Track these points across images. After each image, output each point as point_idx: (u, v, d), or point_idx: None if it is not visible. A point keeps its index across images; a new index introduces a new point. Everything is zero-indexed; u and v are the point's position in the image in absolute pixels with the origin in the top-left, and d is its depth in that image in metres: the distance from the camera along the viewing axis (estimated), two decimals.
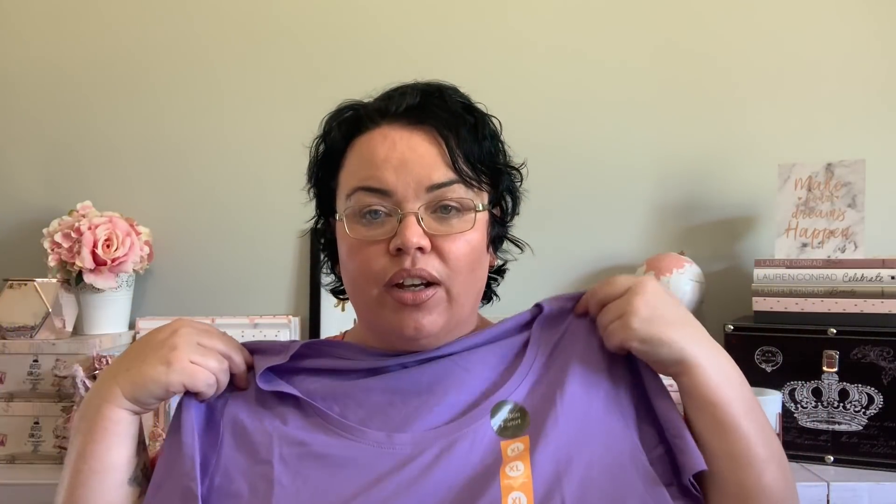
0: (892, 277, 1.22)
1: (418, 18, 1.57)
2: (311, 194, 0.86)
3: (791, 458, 1.20)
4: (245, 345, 0.81)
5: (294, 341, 0.82)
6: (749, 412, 0.73)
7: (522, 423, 0.73)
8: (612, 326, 0.74)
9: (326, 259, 0.88)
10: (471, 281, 0.77)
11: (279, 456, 0.72)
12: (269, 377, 0.78)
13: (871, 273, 1.23)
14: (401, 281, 0.74)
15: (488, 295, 0.88)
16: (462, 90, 0.82)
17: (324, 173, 0.83)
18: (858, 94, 1.52)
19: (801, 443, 1.22)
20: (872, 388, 1.18)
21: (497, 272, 0.88)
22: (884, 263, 1.24)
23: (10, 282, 1.37)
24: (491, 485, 0.68)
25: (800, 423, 1.22)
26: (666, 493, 0.69)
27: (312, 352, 0.81)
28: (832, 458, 1.20)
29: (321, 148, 0.83)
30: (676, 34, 1.55)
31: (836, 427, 1.20)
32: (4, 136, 1.60)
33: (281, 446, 0.73)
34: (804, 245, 1.33)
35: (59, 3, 1.60)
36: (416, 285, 0.74)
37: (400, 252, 0.73)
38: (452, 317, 0.76)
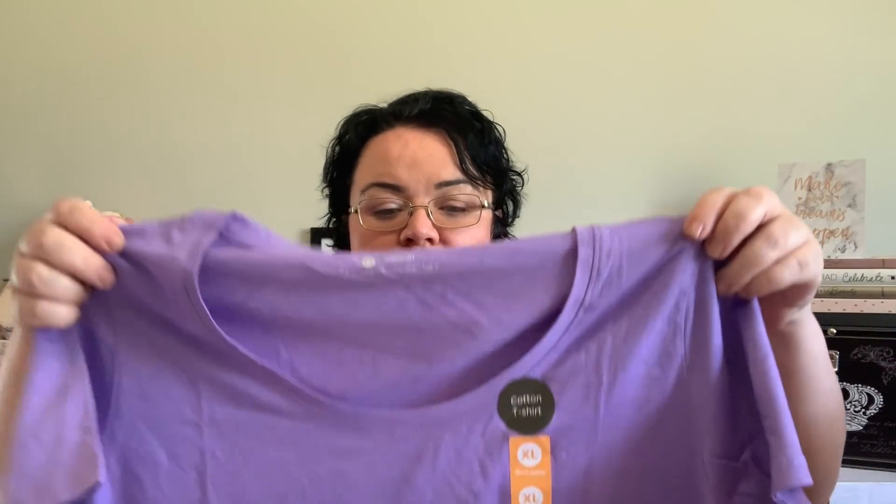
0: (892, 277, 1.22)
1: (419, 26, 1.58)
2: (325, 193, 0.90)
3: None
4: (125, 229, 0.54)
5: (217, 214, 0.57)
6: (829, 366, 0.63)
7: (544, 415, 0.54)
8: (775, 271, 0.52)
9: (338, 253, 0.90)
10: None
11: (210, 418, 0.55)
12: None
13: (871, 273, 1.23)
14: None
15: None
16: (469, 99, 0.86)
17: (339, 172, 0.87)
18: (858, 94, 1.52)
19: None
20: (872, 388, 1.18)
21: None
22: (884, 263, 1.23)
23: (9, 282, 1.37)
24: None
25: None
26: None
27: (252, 233, 0.57)
28: None
29: (337, 149, 0.88)
30: (676, 35, 1.55)
31: None
32: (4, 136, 1.60)
33: (212, 403, 0.55)
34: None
35: (59, 3, 1.60)
36: None
37: (410, 242, 0.76)
38: None
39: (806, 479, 0.49)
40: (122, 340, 0.55)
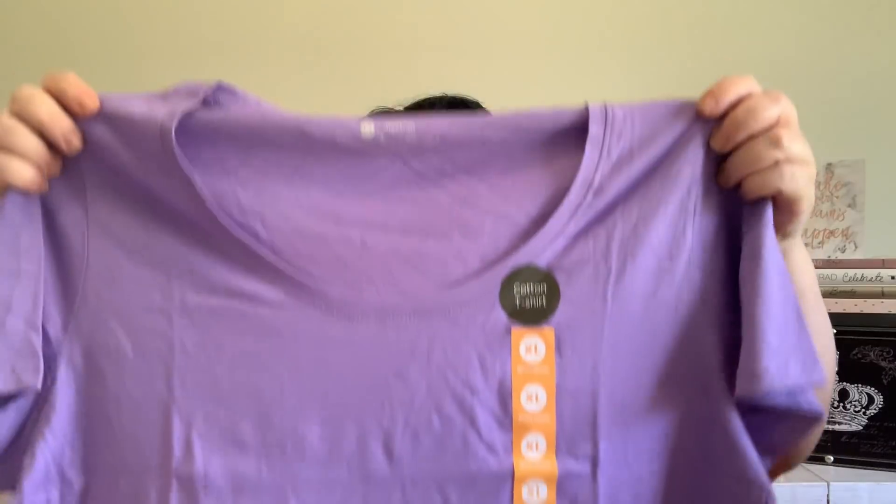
0: (892, 277, 1.22)
1: (415, 24, 1.58)
2: None
3: None
4: (104, 98, 0.51)
5: (202, 83, 0.52)
6: (818, 303, 0.61)
7: (548, 306, 0.50)
8: (766, 173, 0.51)
9: None
10: None
11: (182, 305, 0.50)
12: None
13: (871, 273, 1.23)
14: None
15: None
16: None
17: None
18: (858, 94, 1.52)
19: None
20: (872, 388, 1.18)
21: None
22: (884, 263, 1.23)
23: None
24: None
25: None
26: (737, 423, 0.49)
27: (241, 102, 0.53)
28: (832, 458, 1.20)
29: None
30: (675, 34, 1.55)
31: (836, 427, 1.20)
32: None
33: (184, 288, 0.50)
34: (804, 245, 1.32)
35: (59, 3, 1.60)
36: None
37: None
38: None
39: (760, 388, 0.47)
40: (95, 219, 0.51)
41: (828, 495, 1.10)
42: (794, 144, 0.51)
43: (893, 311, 1.21)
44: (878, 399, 1.17)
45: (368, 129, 0.50)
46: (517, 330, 0.49)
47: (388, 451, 0.49)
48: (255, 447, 0.49)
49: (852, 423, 1.19)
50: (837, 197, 1.32)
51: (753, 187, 0.51)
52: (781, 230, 0.55)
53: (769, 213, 0.50)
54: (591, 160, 0.50)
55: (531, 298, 0.49)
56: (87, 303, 0.50)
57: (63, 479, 0.49)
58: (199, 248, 0.50)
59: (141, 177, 0.50)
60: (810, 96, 1.52)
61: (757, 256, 0.49)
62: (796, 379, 0.48)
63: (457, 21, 1.57)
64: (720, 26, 1.54)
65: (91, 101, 0.50)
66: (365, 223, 0.51)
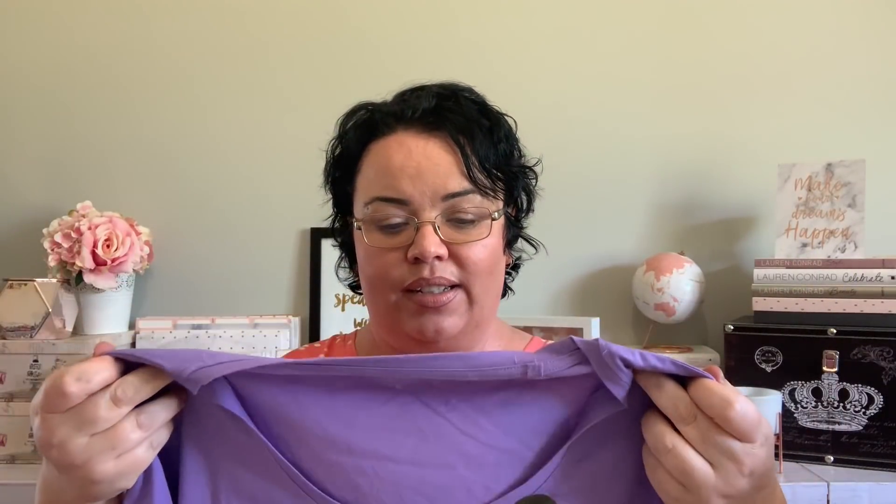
0: (892, 277, 1.22)
1: (418, 19, 1.57)
2: (328, 193, 0.86)
3: (791, 458, 1.21)
4: (146, 355, 0.56)
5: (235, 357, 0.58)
6: None
7: None
8: (663, 479, 0.55)
9: (344, 256, 0.88)
10: (489, 283, 0.77)
11: None
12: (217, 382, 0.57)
13: (871, 273, 1.23)
14: (419, 288, 0.74)
15: (504, 291, 0.87)
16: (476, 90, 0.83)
17: (340, 176, 0.82)
18: (858, 94, 1.52)
19: (801, 443, 1.22)
20: (872, 388, 1.18)
21: (512, 268, 0.89)
22: (884, 263, 1.24)
23: (10, 282, 1.37)
24: None
25: (800, 423, 1.22)
26: None
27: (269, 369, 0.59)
28: (832, 458, 1.20)
29: (337, 150, 0.83)
30: (677, 34, 1.55)
31: (836, 427, 1.20)
32: (4, 136, 1.60)
33: (230, 499, 0.59)
34: (804, 245, 1.33)
35: (59, 3, 1.60)
36: (434, 291, 0.74)
37: (418, 261, 0.73)
38: (472, 318, 0.76)
39: None
40: (185, 454, 0.60)
41: (828, 495, 1.10)
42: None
43: (893, 311, 1.21)
44: (878, 399, 1.17)
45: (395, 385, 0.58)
46: None
47: None
48: None
49: (852, 423, 1.19)
50: (837, 197, 1.32)
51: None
52: None
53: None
54: (598, 413, 0.57)
55: None
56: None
57: None
58: (241, 456, 0.59)
59: (206, 426, 0.60)
60: (811, 96, 1.52)
61: None
62: None
63: (453, 21, 1.57)
64: (723, 26, 1.54)
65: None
66: (375, 455, 0.57)
